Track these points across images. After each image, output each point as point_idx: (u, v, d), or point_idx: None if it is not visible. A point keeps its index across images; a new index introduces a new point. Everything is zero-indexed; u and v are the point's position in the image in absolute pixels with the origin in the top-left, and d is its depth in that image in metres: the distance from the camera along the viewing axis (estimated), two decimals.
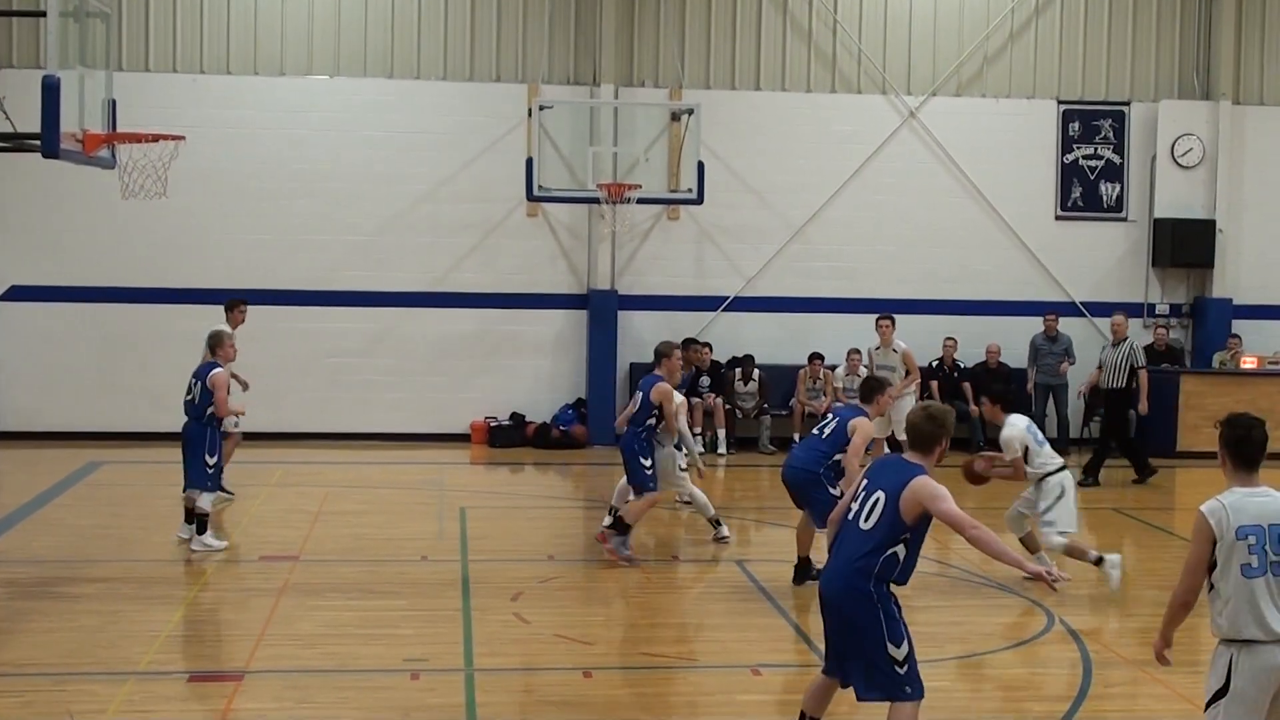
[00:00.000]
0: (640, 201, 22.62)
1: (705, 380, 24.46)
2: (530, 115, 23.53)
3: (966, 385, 24.63)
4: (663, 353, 15.76)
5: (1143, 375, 22.08)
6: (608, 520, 15.99)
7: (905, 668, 8.41)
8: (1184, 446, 24.44)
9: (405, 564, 15.02)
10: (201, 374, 15.88)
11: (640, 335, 24.94)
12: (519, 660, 11.57)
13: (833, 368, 24.61)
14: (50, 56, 13.62)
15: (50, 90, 13.23)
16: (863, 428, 13.82)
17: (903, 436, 20.18)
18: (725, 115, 24.97)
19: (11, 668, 10.89)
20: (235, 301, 19.43)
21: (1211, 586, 7.30)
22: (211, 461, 15.69)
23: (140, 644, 11.51)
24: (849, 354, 24.55)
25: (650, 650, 11.85)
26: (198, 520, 15.52)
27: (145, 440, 23.48)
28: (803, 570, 14.19)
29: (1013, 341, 25.16)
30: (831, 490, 13.56)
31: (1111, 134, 26.22)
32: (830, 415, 14.40)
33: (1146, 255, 26.23)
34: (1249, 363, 25.23)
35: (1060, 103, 26.15)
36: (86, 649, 11.34)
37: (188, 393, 15.94)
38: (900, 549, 8.35)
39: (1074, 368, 24.83)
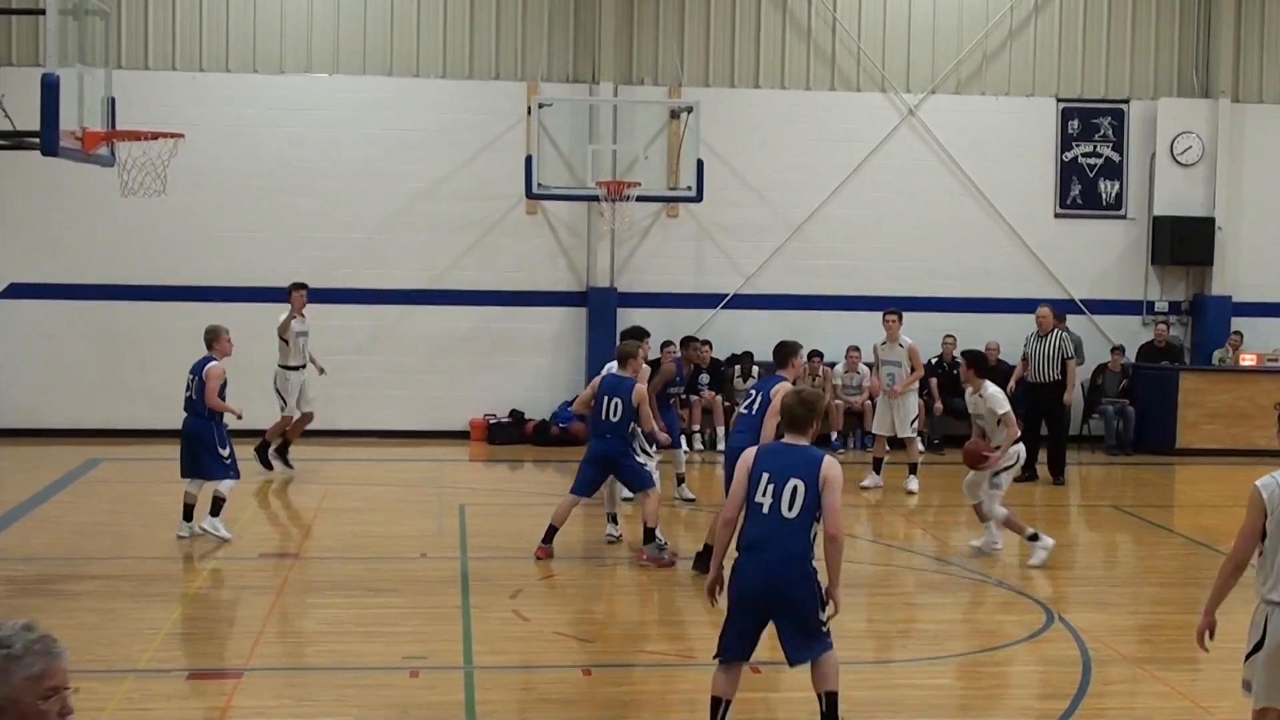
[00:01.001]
0: (639, 199, 22.63)
1: (704, 378, 24.46)
2: (529, 113, 23.54)
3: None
4: (629, 353, 15.69)
5: (1071, 366, 21.40)
6: (613, 530, 15.90)
7: (826, 625, 8.98)
8: (1183, 444, 24.47)
9: (404, 561, 15.03)
10: (198, 369, 15.96)
11: None
12: (518, 658, 11.57)
13: (832, 365, 24.62)
14: (49, 54, 13.63)
15: (49, 88, 13.25)
16: (778, 387, 13.71)
17: (905, 434, 20.31)
18: (724, 113, 24.98)
19: None
20: (296, 285, 20.68)
21: (1261, 553, 7.70)
22: (225, 452, 15.85)
23: (140, 641, 11.51)
24: (848, 351, 24.57)
25: (649, 648, 11.86)
26: (214, 503, 15.66)
27: (145, 437, 23.48)
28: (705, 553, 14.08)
29: (1012, 339, 25.15)
30: None
31: (1111, 132, 26.22)
32: (752, 391, 14.34)
33: (1146, 253, 26.24)
34: (1248, 360, 25.24)
35: (1059, 100, 26.15)
36: (86, 646, 11.32)
37: (187, 389, 16.03)
38: (817, 525, 8.79)
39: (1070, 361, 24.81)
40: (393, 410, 24.67)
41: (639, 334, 17.08)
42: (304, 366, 20.98)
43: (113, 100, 15.57)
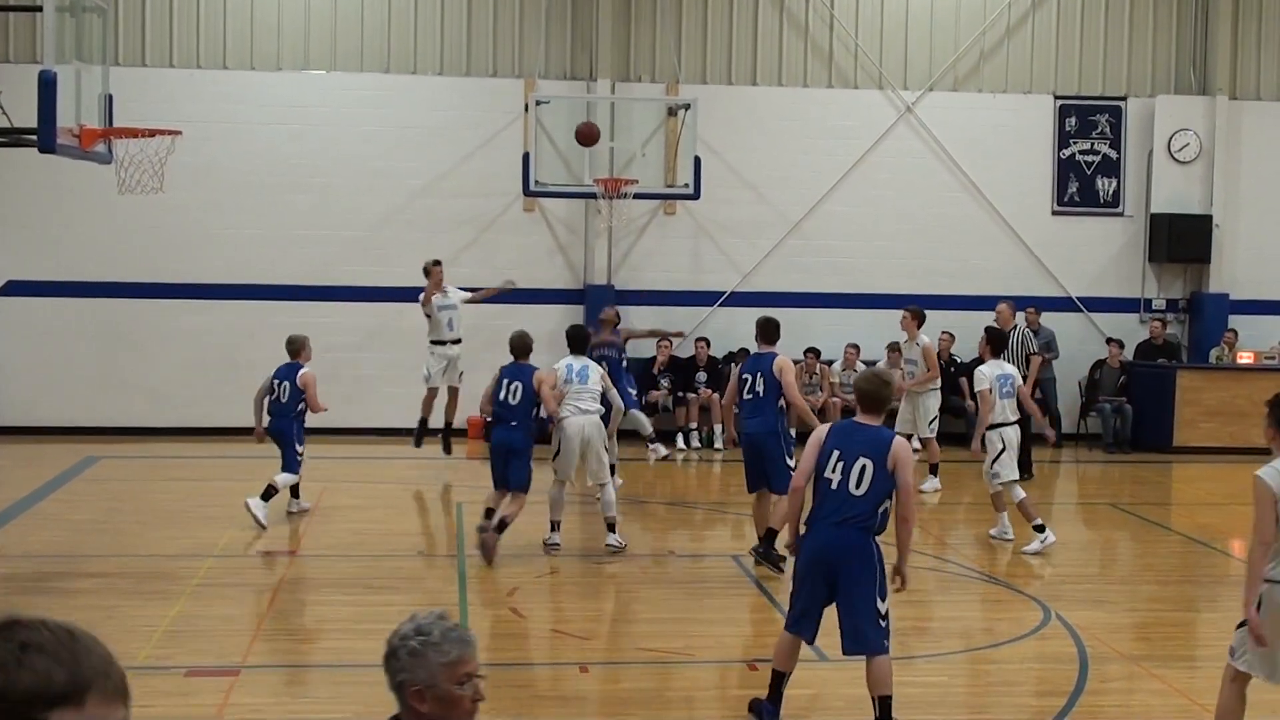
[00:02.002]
0: (637, 197, 22.62)
1: (702, 376, 24.47)
2: (527, 110, 23.55)
3: (963, 380, 24.62)
4: (527, 347, 16.06)
5: (1035, 361, 21.01)
6: (615, 540, 15.66)
7: (886, 622, 9.21)
8: (1180, 442, 24.48)
9: (402, 559, 15.03)
10: (288, 374, 17.18)
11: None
12: (515, 655, 11.58)
13: (829, 363, 24.62)
14: (47, 51, 13.61)
15: (47, 85, 13.25)
16: (783, 363, 14.41)
17: (925, 434, 20.12)
18: (722, 110, 24.98)
19: None
20: (434, 261, 21.57)
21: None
22: (301, 450, 17.06)
23: (137, 639, 11.51)
24: (846, 349, 24.58)
25: (646, 645, 11.86)
26: (266, 489, 16.50)
27: (143, 435, 23.49)
28: (770, 537, 14.17)
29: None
30: (788, 458, 14.20)
31: (1108, 129, 26.24)
32: (746, 375, 14.62)
33: (1143, 250, 26.26)
34: (1245, 358, 25.26)
35: (1057, 98, 26.17)
36: None
37: (271, 392, 17.28)
38: (888, 503, 9.21)
39: (1056, 361, 24.85)
40: (390, 408, 24.65)
41: (581, 333, 16.96)
42: (453, 342, 21.68)
43: (110, 97, 15.56)
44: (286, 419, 17.15)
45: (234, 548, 15.45)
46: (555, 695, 10.34)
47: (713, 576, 14.70)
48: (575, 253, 25.22)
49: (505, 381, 15.56)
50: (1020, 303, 24.76)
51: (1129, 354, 25.53)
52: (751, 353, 15.51)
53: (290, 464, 16.99)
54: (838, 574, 9.25)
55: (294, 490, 17.34)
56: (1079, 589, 14.29)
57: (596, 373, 15.81)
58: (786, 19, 25.63)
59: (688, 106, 23.12)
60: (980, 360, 17.37)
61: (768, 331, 14.76)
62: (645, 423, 18.05)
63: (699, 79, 25.42)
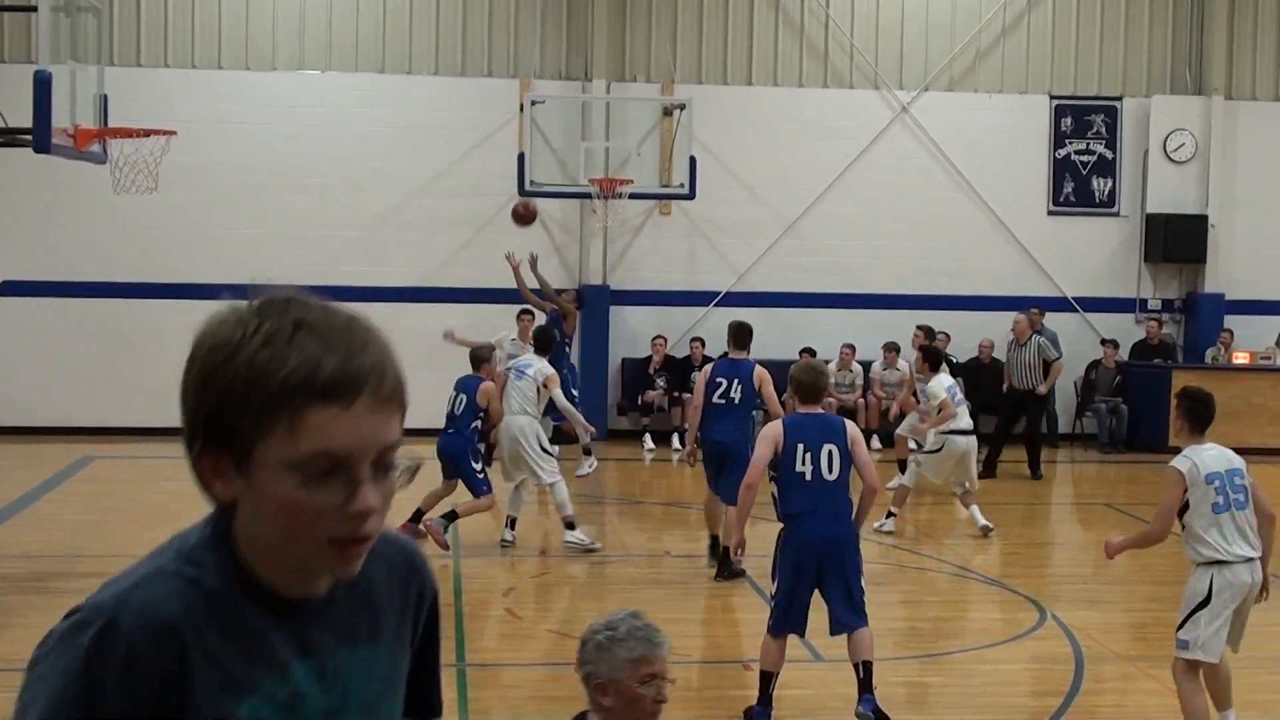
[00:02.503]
0: (632, 197, 22.62)
1: (696, 376, 24.44)
2: (522, 110, 23.54)
3: (959, 380, 24.62)
4: (482, 358, 15.95)
5: (1055, 367, 21.83)
6: (509, 534, 15.67)
7: (864, 595, 9.69)
8: (1176, 442, 24.36)
9: None
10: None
11: (633, 330, 25.01)
12: (511, 655, 11.58)
13: (825, 363, 24.60)
14: (42, 51, 13.63)
15: (42, 85, 13.25)
16: (763, 375, 14.30)
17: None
18: (717, 110, 24.97)
19: (3, 663, 10.86)
20: (525, 310, 21.80)
21: (1184, 526, 9.13)
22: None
23: None
24: (841, 349, 24.57)
25: None
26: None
27: (139, 435, 23.47)
28: (725, 557, 13.84)
29: (1005, 337, 25.17)
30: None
31: (1104, 129, 26.24)
32: (720, 380, 14.43)
33: (1139, 250, 26.27)
34: (1241, 358, 25.26)
35: (1053, 98, 26.18)
36: None
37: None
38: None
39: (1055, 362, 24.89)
40: None
41: (546, 335, 16.95)
42: None
43: (105, 97, 15.56)
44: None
45: None
46: (551, 696, 10.33)
47: (707, 577, 14.68)
48: (570, 253, 25.22)
49: (455, 393, 15.78)
50: (1017, 303, 24.80)
51: (1124, 354, 25.54)
52: (723, 356, 15.36)
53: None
54: (829, 562, 9.57)
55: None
56: (1074, 589, 14.30)
57: (531, 375, 15.65)
58: (782, 19, 25.63)
59: (683, 106, 23.11)
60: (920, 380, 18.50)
61: (741, 337, 14.69)
62: (584, 430, 17.19)
63: (694, 79, 25.41)
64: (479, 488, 15.37)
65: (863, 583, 9.69)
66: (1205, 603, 8.94)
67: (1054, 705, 10.30)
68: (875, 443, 22.89)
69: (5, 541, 15.71)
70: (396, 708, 2.74)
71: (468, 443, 15.46)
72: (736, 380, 14.27)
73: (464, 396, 15.56)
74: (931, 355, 18.14)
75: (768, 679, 9.58)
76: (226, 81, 24.52)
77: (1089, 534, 18.28)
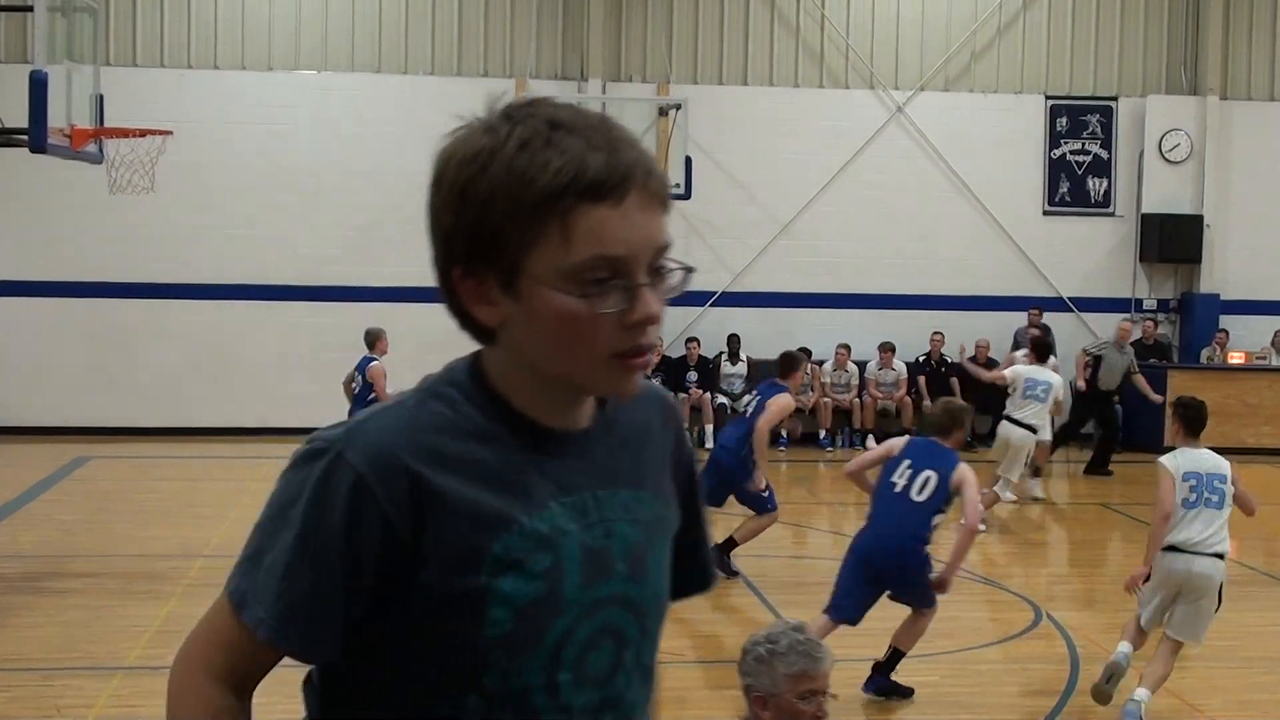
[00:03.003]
0: None
1: (693, 375, 24.46)
2: None
3: (954, 380, 24.64)
4: (375, 336, 18.50)
5: (1140, 377, 22.63)
6: None
7: (926, 590, 10.28)
8: (1172, 442, 24.42)
9: None
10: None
11: None
12: None
13: (820, 363, 24.61)
14: (37, 51, 13.63)
15: (38, 85, 13.25)
16: (783, 403, 14.00)
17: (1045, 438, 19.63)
18: (713, 110, 24.97)
19: (2, 662, 10.88)
20: None
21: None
22: None
23: (127, 639, 11.50)
24: (837, 349, 24.57)
25: None
26: None
27: (133, 435, 23.46)
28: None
29: (1001, 337, 25.20)
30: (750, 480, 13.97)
31: (1099, 129, 26.25)
32: (754, 392, 14.59)
33: (1134, 250, 26.27)
34: (1236, 358, 25.27)
35: (1048, 98, 26.18)
36: (73, 644, 11.33)
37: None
38: (939, 518, 10.12)
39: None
40: None
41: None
42: None
43: (101, 97, 15.55)
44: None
45: (225, 548, 15.39)
46: None
47: None
48: None
49: (355, 372, 18.23)
50: (1012, 303, 24.86)
51: None
52: (765, 380, 15.16)
53: None
54: (886, 576, 10.14)
55: None
56: (1070, 589, 14.32)
57: None
58: (778, 19, 25.62)
59: (679, 106, 23.12)
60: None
61: (782, 364, 14.50)
62: None
63: (690, 79, 25.41)
64: None
65: (928, 577, 10.21)
66: (1149, 578, 10.11)
67: (1049, 706, 10.30)
68: (871, 442, 22.93)
69: (0, 541, 15.71)
70: (663, 562, 2.61)
71: None
72: (760, 398, 14.15)
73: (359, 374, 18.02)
74: (1039, 347, 18.70)
75: None
76: (222, 81, 24.51)
77: (1084, 534, 18.29)
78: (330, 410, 24.36)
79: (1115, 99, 26.30)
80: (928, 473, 10.02)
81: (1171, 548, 9.86)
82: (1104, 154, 26.26)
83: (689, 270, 2.47)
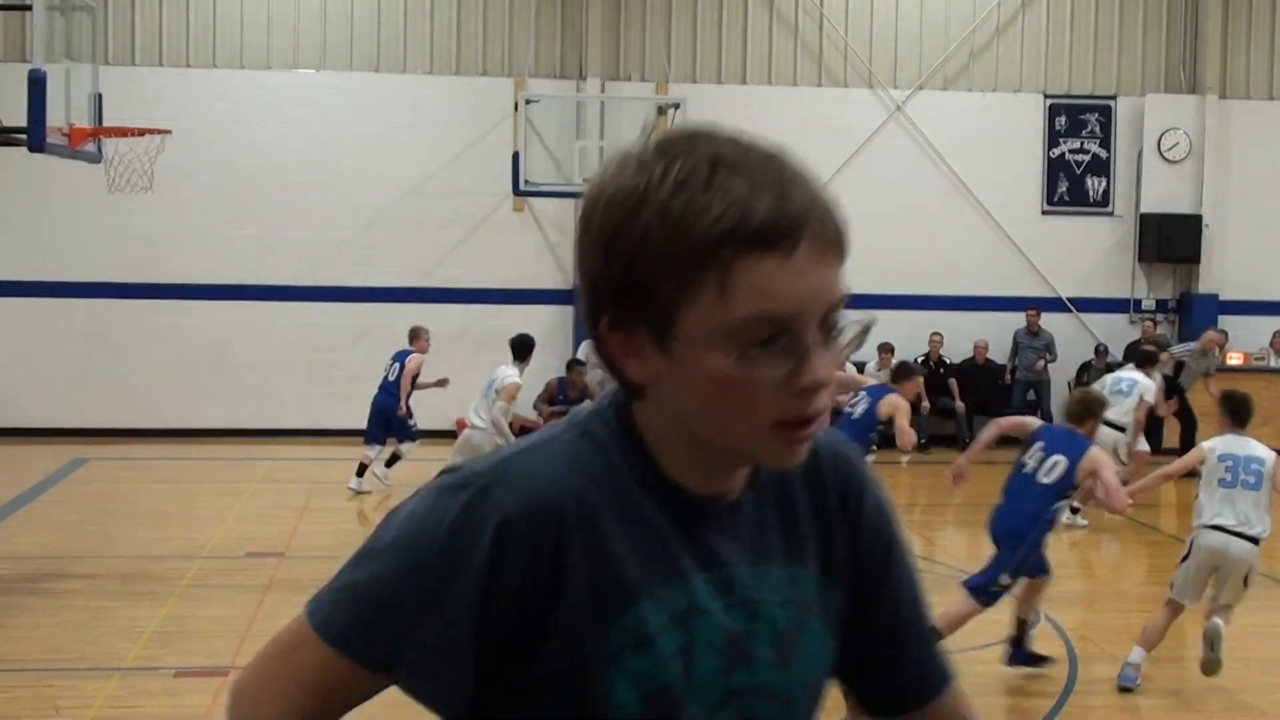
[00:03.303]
0: None
1: None
2: (516, 109, 23.53)
3: (953, 381, 24.65)
4: (414, 334, 19.72)
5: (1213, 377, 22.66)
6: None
7: (993, 588, 10.69)
8: (1170, 442, 24.45)
9: None
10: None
11: None
12: None
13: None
14: (36, 50, 13.62)
15: (36, 84, 13.24)
16: (897, 403, 13.40)
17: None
18: (711, 109, 24.88)
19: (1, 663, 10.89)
20: (576, 361, 23.11)
21: (1197, 496, 10.83)
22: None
23: (126, 640, 11.49)
24: None
25: None
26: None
27: (130, 436, 23.45)
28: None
29: (1000, 337, 25.20)
30: None
31: (1098, 128, 26.24)
32: (861, 393, 13.94)
33: (1133, 250, 26.26)
34: (1235, 359, 25.25)
35: (1046, 97, 26.18)
36: (72, 645, 11.32)
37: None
38: (1064, 502, 10.72)
39: (1054, 364, 24.93)
40: None
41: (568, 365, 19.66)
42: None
43: (99, 96, 15.55)
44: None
45: (222, 549, 15.42)
46: None
47: None
48: (565, 253, 25.20)
49: (392, 362, 19.70)
50: (1010, 304, 24.85)
51: (1118, 354, 25.51)
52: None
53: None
54: (1000, 544, 10.66)
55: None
56: (1067, 589, 14.29)
57: (499, 386, 16.89)
58: (776, 18, 25.62)
59: (677, 105, 23.09)
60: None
61: (896, 374, 14.15)
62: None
63: (688, 78, 25.40)
64: (407, 435, 19.36)
65: (1003, 577, 10.57)
66: (1186, 557, 10.78)
67: (1046, 706, 10.30)
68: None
69: None
70: (820, 650, 2.31)
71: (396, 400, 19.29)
72: (870, 399, 14.01)
73: (398, 365, 19.63)
74: (1142, 356, 18.97)
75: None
76: (220, 80, 24.49)
77: (1082, 534, 18.27)
78: (325, 410, 24.34)
79: (1114, 98, 26.30)
80: (1057, 457, 10.44)
81: (1212, 527, 10.55)
82: (1103, 153, 26.25)
83: (868, 327, 2.24)
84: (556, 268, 25.11)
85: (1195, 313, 26.07)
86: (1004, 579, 10.59)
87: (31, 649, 11.26)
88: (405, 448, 19.43)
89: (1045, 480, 10.44)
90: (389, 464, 19.33)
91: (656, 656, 2.12)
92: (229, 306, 24.36)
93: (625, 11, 25.30)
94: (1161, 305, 26.48)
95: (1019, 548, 10.48)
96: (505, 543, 2.07)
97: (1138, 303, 26.35)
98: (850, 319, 2.18)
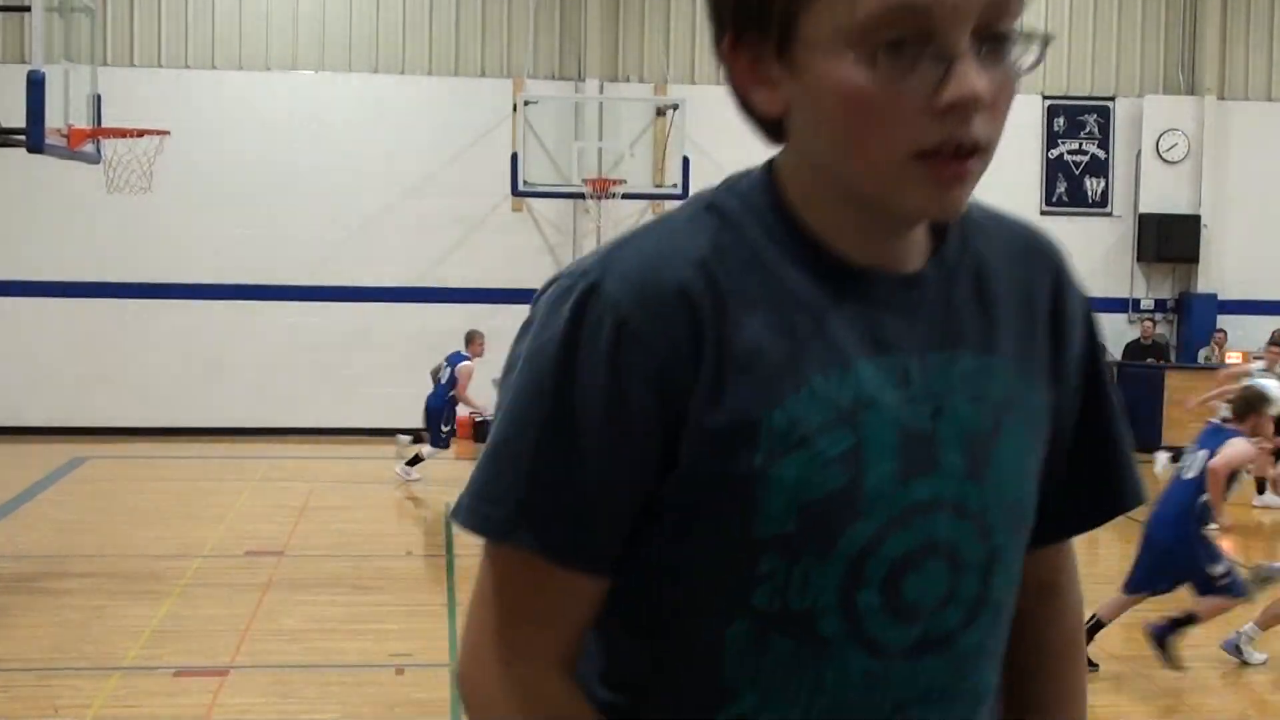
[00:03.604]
0: (625, 197, 22.62)
1: None
2: (515, 110, 23.53)
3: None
4: (470, 337, 19.42)
5: None
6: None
7: (1227, 578, 10.43)
8: (1169, 442, 24.42)
9: (390, 559, 15.01)
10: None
11: None
12: None
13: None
14: (35, 51, 13.63)
15: (35, 85, 13.25)
16: (1238, 451, 10.73)
17: None
18: (710, 110, 24.87)
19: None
20: None
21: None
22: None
23: (125, 639, 11.50)
24: None
25: None
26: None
27: (129, 435, 23.45)
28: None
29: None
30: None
31: (1097, 129, 26.26)
32: (1196, 444, 11.36)
33: (1132, 250, 26.28)
34: (1234, 358, 25.25)
35: (1045, 98, 26.18)
36: (71, 644, 11.32)
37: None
38: (1206, 496, 10.39)
39: None
40: (377, 408, 24.63)
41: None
42: None
43: (98, 97, 15.56)
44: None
45: (222, 548, 15.42)
46: None
47: None
48: (563, 253, 25.20)
49: (444, 364, 19.62)
50: None
51: (1117, 354, 25.55)
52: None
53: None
54: (1161, 552, 10.61)
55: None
56: None
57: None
58: None
59: (676, 107, 23.12)
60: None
61: (1239, 407, 13.81)
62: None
63: (687, 79, 25.41)
64: (440, 443, 19.35)
65: (1211, 569, 10.42)
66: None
67: None
68: None
69: None
70: (1023, 460, 1.92)
71: (444, 402, 19.53)
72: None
73: (450, 368, 19.60)
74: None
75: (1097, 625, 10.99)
76: (219, 81, 24.50)
77: (1080, 534, 18.28)
78: (324, 410, 24.38)
79: (1113, 99, 26.31)
80: (1201, 452, 10.48)
81: None
82: (1101, 154, 26.27)
83: (1046, 41, 1.91)
84: (555, 268, 24.72)
85: (1194, 312, 26.10)
86: (1212, 569, 10.47)
87: (31, 648, 11.26)
88: (428, 451, 19.58)
89: (1187, 476, 10.54)
90: (411, 463, 19.58)
91: (815, 460, 1.75)
92: (229, 306, 24.36)
93: (624, 13, 25.31)
94: (1160, 305, 26.51)
95: (1182, 547, 10.50)
96: (629, 346, 1.75)
97: (1137, 302, 26.37)
98: (1013, 29, 1.84)
